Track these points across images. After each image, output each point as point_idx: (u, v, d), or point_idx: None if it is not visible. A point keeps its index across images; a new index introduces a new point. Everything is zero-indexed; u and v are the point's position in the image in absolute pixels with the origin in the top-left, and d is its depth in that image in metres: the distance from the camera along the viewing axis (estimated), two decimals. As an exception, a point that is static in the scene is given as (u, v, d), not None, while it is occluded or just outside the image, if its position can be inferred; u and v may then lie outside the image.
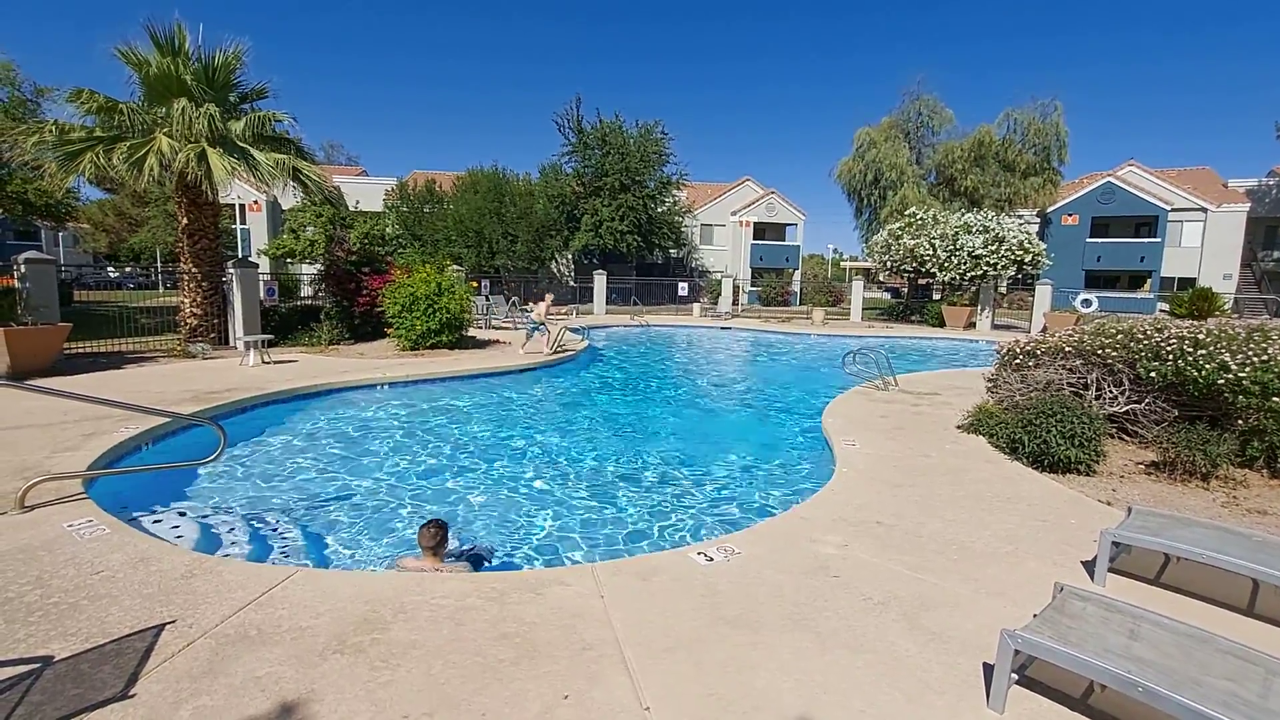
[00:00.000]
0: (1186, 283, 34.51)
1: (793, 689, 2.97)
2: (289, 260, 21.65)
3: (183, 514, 5.62)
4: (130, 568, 3.93)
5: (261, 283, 14.82)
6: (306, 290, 19.85)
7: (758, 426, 10.24)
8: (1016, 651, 2.81)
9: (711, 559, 4.31)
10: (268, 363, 11.75)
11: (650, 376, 13.96)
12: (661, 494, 6.74)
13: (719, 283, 32.61)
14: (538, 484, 6.94)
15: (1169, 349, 7.37)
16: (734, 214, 45.24)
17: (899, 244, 26.39)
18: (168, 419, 6.91)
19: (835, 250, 73.51)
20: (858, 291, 29.20)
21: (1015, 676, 2.93)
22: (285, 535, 5.41)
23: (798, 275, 45.94)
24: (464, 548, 5.25)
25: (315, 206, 17.87)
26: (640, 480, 7.17)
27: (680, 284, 32.18)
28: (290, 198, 15.82)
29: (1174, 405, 7.42)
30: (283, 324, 15.14)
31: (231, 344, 13.83)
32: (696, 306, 29.97)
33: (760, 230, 45.95)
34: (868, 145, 35.14)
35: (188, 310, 13.77)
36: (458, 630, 3.37)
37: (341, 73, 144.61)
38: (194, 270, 13.68)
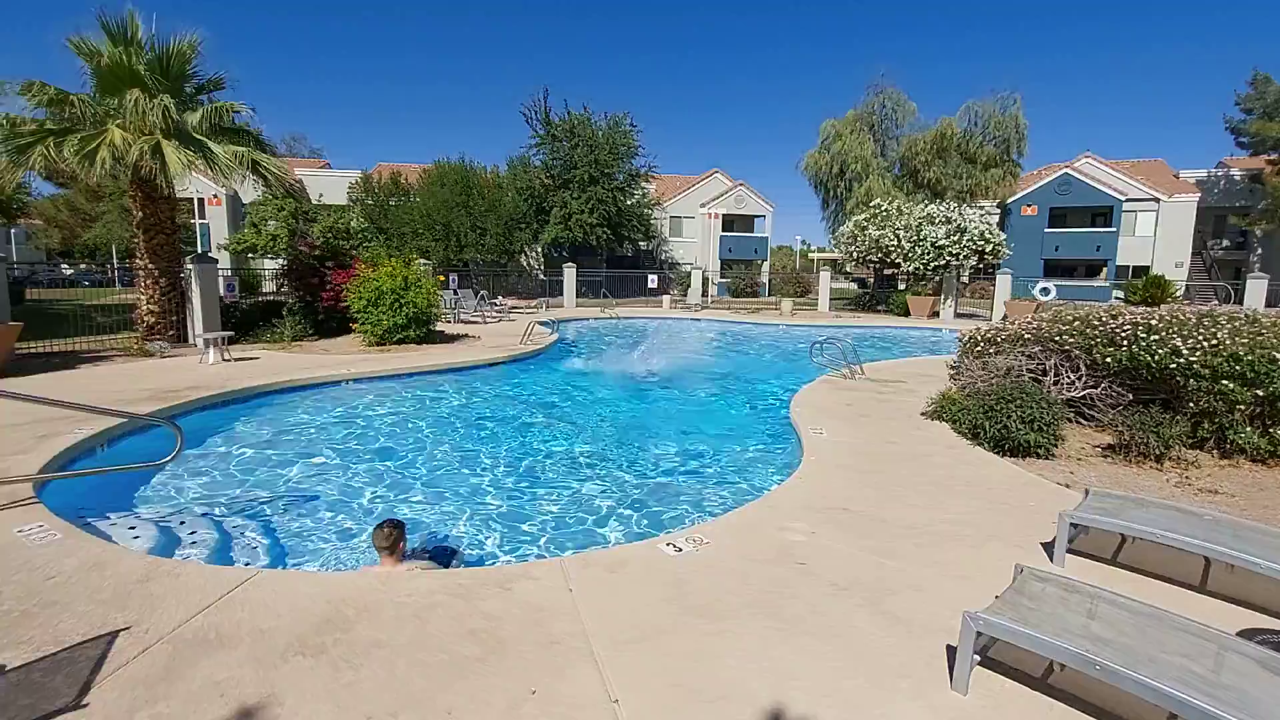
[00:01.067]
0: (1140, 271, 35.32)
1: (759, 676, 2.99)
2: (250, 255, 21.21)
3: (140, 517, 5.47)
4: (84, 573, 3.81)
5: (221, 278, 14.46)
6: (269, 285, 19.41)
7: (727, 416, 10.29)
8: (979, 633, 2.86)
9: (680, 549, 4.32)
10: (228, 360, 11.47)
11: (620, 368, 13.92)
12: (631, 484, 6.73)
13: (688, 275, 32.62)
14: (506, 477, 6.89)
15: (1123, 335, 7.59)
16: (703, 206, 45.21)
17: (865, 235, 26.67)
18: (123, 419, 6.71)
19: (803, 241, 74.23)
20: (825, 282, 29.50)
21: (978, 658, 2.98)
22: (246, 536, 5.29)
23: (766, 266, 46.15)
24: (429, 545, 5.18)
25: (277, 200, 17.50)
26: (610, 471, 7.16)
27: (650, 276, 32.08)
28: (251, 191, 15.50)
29: (1129, 389, 7.64)
30: (244, 320, 14.80)
31: (191, 341, 13.46)
32: (666, 298, 29.97)
33: (729, 222, 46.07)
34: (833, 138, 35.31)
35: (145, 307, 13.38)
36: (422, 628, 3.32)
37: (305, 66, 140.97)
38: (150, 266, 13.28)
